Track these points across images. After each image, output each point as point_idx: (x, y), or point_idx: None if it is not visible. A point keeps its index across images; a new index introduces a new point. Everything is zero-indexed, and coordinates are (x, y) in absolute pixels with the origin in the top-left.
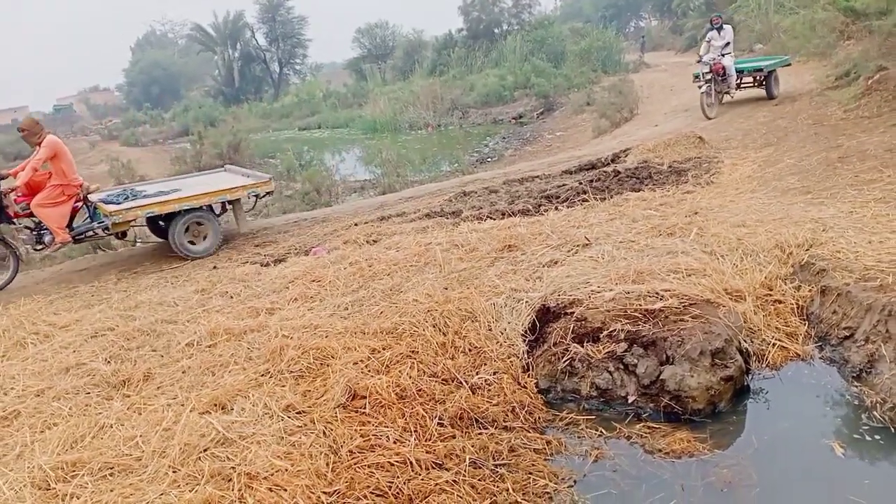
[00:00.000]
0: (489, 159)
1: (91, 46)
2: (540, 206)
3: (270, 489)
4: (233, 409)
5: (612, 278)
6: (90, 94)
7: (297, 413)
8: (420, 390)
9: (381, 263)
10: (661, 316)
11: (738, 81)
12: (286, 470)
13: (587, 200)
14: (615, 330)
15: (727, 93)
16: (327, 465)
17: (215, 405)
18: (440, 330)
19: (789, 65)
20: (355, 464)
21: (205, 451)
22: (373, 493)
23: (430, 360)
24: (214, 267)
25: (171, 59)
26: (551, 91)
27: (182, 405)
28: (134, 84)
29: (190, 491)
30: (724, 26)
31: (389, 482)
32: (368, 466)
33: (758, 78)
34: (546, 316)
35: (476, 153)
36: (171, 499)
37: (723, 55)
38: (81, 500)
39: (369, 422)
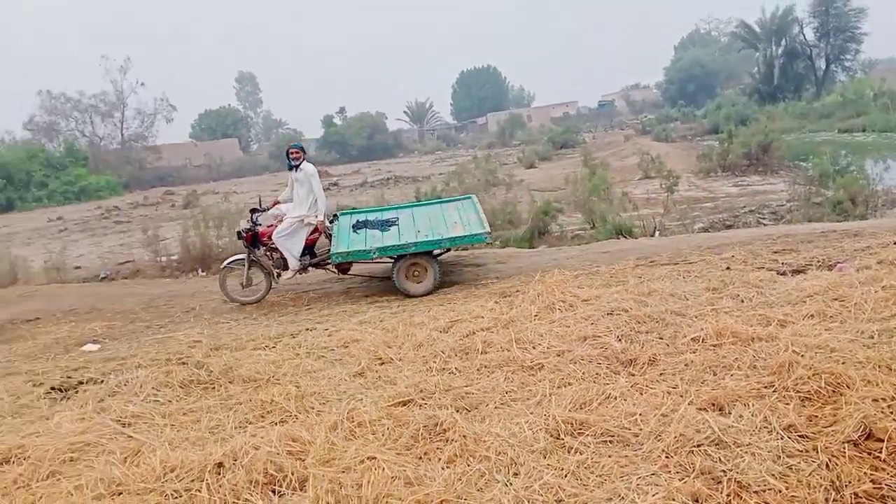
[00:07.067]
0: None
1: (639, 46)
2: None
3: None
4: (730, 414)
5: None
6: (631, 91)
7: (798, 436)
8: None
9: None
10: None
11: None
12: (780, 491)
13: None
14: None
15: (276, 274)
16: (826, 500)
17: (713, 405)
18: None
19: (484, 241)
20: None
21: (698, 446)
22: None
23: None
24: (727, 267)
25: (710, 56)
26: None
27: (681, 396)
28: (672, 82)
29: (679, 480)
30: (304, 165)
31: None
32: None
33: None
34: None
35: None
36: (660, 481)
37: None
38: (583, 456)
39: (884, 468)
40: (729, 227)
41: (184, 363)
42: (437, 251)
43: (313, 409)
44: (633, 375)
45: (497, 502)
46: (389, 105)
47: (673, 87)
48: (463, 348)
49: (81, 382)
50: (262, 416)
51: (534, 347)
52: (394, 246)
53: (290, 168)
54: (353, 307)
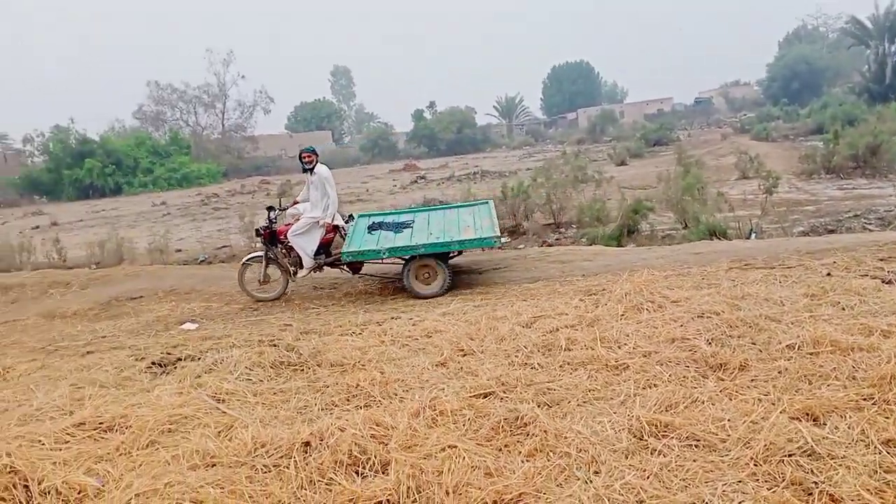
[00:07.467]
0: None
1: (736, 43)
2: None
3: None
4: (825, 425)
5: None
6: (730, 89)
7: None
8: None
9: None
10: None
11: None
12: None
13: None
14: None
15: (293, 272)
16: None
17: (807, 414)
18: None
19: (494, 245)
20: None
21: (789, 456)
22: None
23: None
24: (828, 273)
25: (817, 53)
26: None
27: (773, 404)
28: (774, 79)
29: (767, 489)
30: (318, 168)
31: None
32: None
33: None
34: None
35: None
36: (746, 489)
37: (296, 217)
38: (667, 459)
39: None
40: (831, 231)
41: (275, 345)
42: (449, 254)
43: (396, 395)
44: (723, 380)
45: (576, 499)
46: (479, 101)
47: (775, 85)
48: (546, 344)
49: (180, 359)
50: (348, 400)
51: (619, 347)
52: (404, 247)
53: (304, 171)
54: (436, 299)
